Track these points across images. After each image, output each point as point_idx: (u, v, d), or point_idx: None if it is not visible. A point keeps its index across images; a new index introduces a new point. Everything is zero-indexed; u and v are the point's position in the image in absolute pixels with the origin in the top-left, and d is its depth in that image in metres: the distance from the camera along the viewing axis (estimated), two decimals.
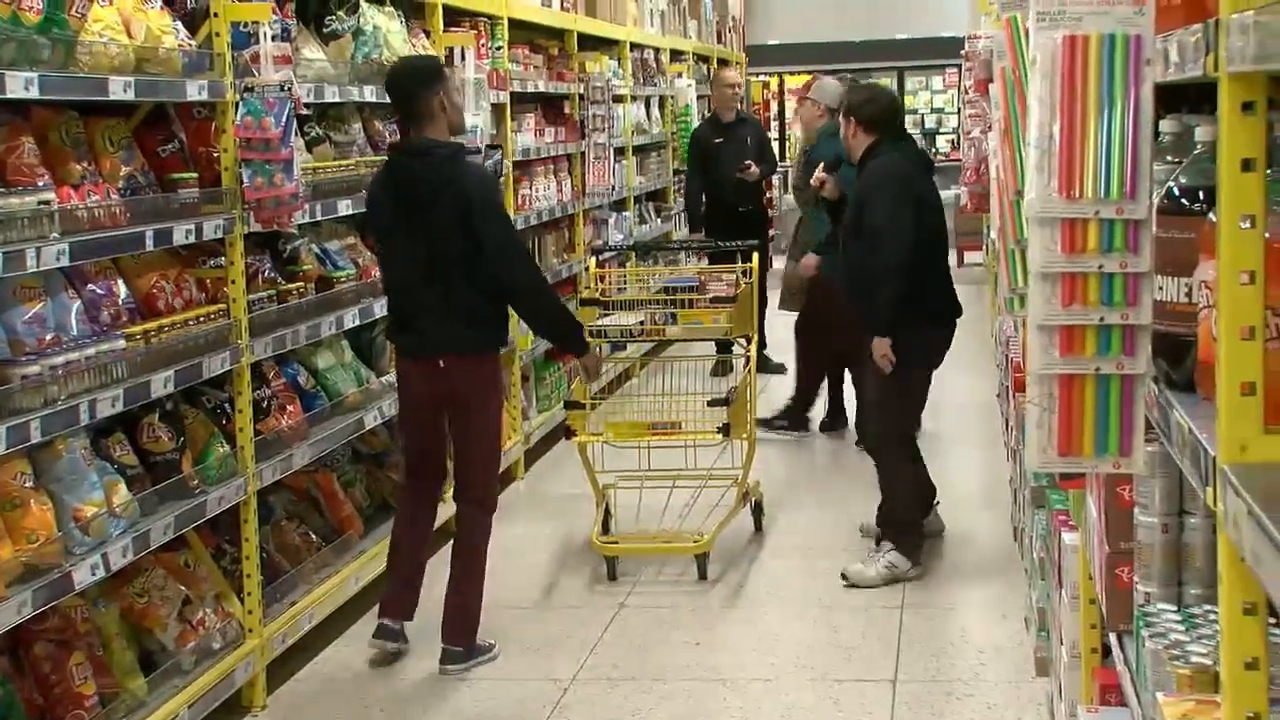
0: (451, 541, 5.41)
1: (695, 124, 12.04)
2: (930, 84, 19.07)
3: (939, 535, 6.40)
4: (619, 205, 10.59)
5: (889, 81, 17.63)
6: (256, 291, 5.09)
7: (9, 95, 3.67)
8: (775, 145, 14.81)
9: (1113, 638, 2.87)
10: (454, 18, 7.18)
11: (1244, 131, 1.77)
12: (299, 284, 5.45)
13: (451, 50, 6.89)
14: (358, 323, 5.75)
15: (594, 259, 7.12)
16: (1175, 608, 2.58)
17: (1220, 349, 1.82)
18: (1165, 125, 2.49)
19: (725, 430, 6.09)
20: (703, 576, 6.03)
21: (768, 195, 11.34)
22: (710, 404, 6.20)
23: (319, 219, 5.55)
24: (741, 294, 6.39)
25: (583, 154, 9.40)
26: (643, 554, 6.26)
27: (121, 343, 4.22)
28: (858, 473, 7.65)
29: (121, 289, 4.49)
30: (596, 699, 4.93)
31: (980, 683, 4.94)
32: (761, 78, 18.66)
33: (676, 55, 12.78)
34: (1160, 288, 2.23)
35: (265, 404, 5.17)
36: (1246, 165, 1.78)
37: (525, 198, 8.28)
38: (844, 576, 5.95)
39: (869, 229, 5.90)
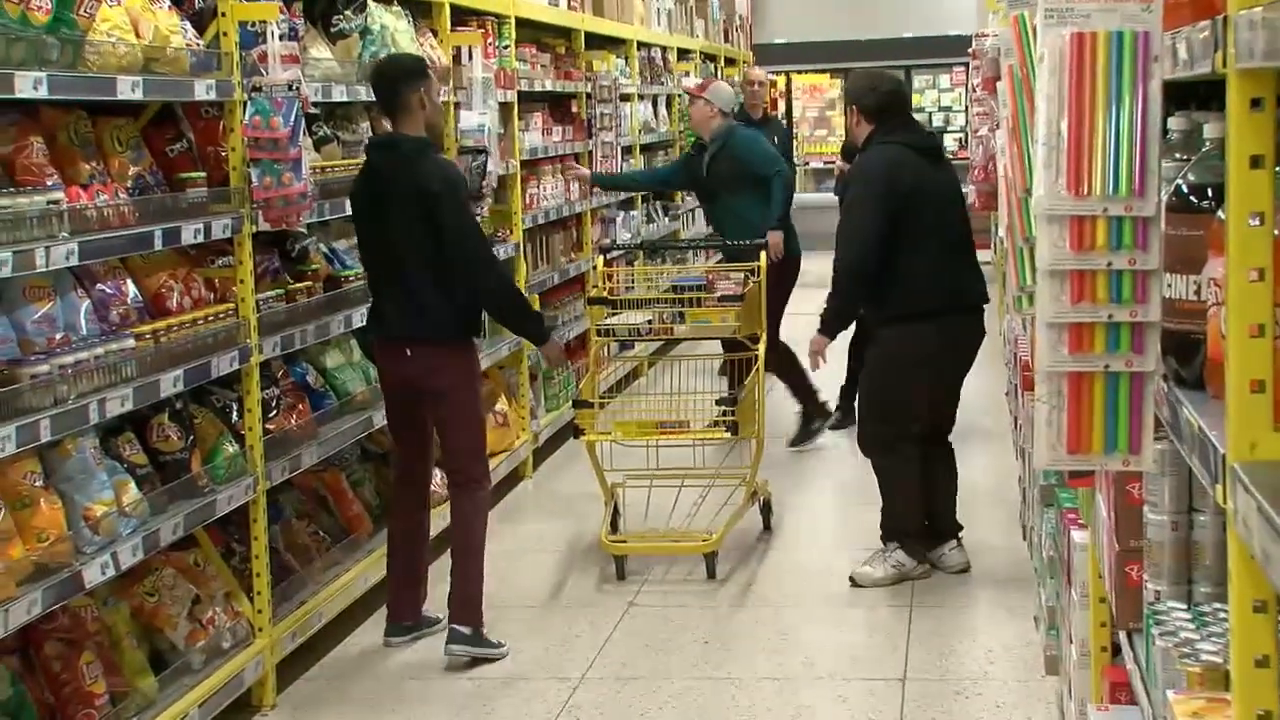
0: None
1: None
2: (937, 82, 19.04)
3: (963, 570, 5.97)
4: (626, 204, 10.59)
5: None
6: (265, 291, 5.10)
7: (18, 95, 3.68)
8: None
9: (1122, 636, 2.87)
10: (461, 17, 7.19)
11: (1252, 128, 1.77)
12: (307, 283, 5.46)
13: (459, 49, 6.90)
14: (365, 322, 5.75)
15: (602, 258, 7.11)
16: (1185, 606, 2.57)
17: (1229, 346, 1.82)
18: (1173, 122, 2.49)
19: (733, 429, 6.08)
20: (711, 575, 6.03)
21: None
22: (718, 403, 6.20)
23: (327, 218, 5.56)
24: (749, 292, 6.38)
25: (590, 153, 9.40)
26: (651, 553, 6.25)
27: (130, 342, 4.23)
28: (867, 471, 7.64)
29: (130, 288, 4.49)
30: (605, 698, 4.93)
31: (989, 681, 4.93)
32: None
33: (683, 54, 12.78)
34: (1169, 285, 2.23)
35: (274, 403, 5.17)
36: (1255, 162, 1.77)
37: (533, 197, 8.28)
38: (851, 580, 5.90)
39: (839, 239, 5.88)
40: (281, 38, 4.86)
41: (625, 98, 10.28)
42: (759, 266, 6.59)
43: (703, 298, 6.33)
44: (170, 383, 4.35)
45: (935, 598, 5.75)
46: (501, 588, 6.10)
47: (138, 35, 4.32)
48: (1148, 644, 2.52)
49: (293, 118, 4.79)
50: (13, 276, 3.71)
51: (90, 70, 4.07)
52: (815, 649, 5.30)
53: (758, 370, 6.43)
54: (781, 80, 19.50)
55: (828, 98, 19.26)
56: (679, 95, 12.24)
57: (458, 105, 6.78)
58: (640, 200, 10.92)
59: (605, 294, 6.61)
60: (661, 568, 6.20)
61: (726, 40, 15.30)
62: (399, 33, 6.18)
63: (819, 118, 19.32)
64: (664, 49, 11.94)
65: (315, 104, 5.34)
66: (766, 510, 6.70)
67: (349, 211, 5.44)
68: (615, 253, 7.49)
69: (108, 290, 4.37)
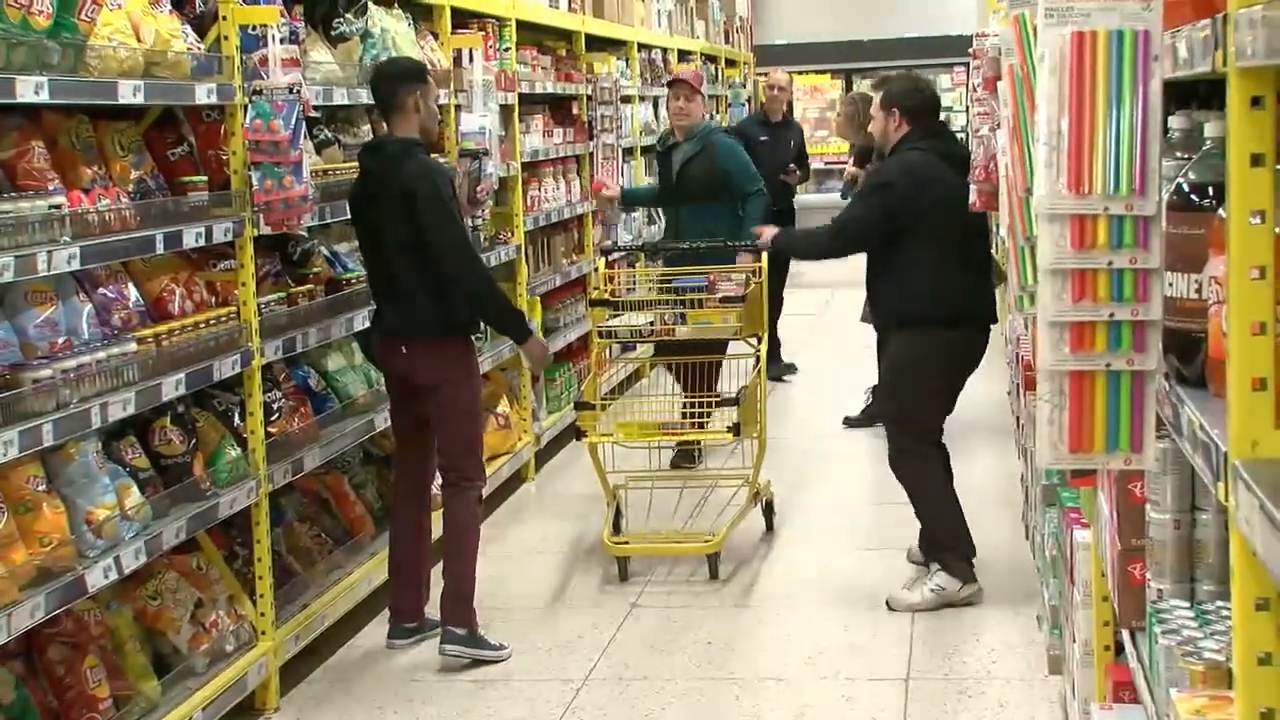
0: None
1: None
2: (938, 82, 19.06)
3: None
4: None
5: None
6: (266, 294, 5.10)
7: (19, 99, 3.68)
8: None
9: (1125, 635, 2.87)
10: (462, 19, 7.19)
11: (1253, 126, 1.77)
12: (309, 286, 5.47)
13: (459, 52, 6.90)
14: (368, 325, 5.76)
15: (603, 259, 7.10)
16: (1188, 604, 2.57)
17: (1231, 344, 1.82)
18: (1174, 121, 2.49)
19: (735, 429, 6.07)
20: (714, 576, 6.03)
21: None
22: (719, 404, 6.20)
23: (328, 221, 5.57)
24: (751, 293, 6.37)
25: (591, 155, 9.40)
26: (654, 554, 6.25)
27: (133, 346, 4.23)
28: (870, 472, 7.65)
29: (132, 292, 4.50)
30: (608, 699, 4.93)
31: (993, 681, 4.93)
32: (759, 80, 18.67)
33: (684, 55, 12.78)
34: (1170, 284, 2.23)
35: (276, 406, 5.18)
36: (1256, 160, 1.78)
37: (534, 199, 8.29)
38: (888, 604, 5.63)
39: (838, 219, 5.92)
40: (282, 41, 4.86)
41: (626, 99, 10.28)
42: (761, 268, 6.57)
43: (704, 299, 6.32)
44: (172, 386, 4.36)
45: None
46: (504, 589, 6.10)
47: (139, 39, 4.32)
48: (1150, 642, 2.52)
49: (294, 121, 4.80)
50: (14, 281, 3.71)
51: (91, 74, 4.07)
52: (818, 649, 5.30)
53: (759, 371, 6.42)
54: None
55: (828, 98, 19.26)
56: None
57: (459, 108, 6.78)
58: None
59: (607, 296, 6.60)
60: (664, 568, 6.20)
61: (727, 41, 15.30)
62: (400, 36, 6.18)
63: (819, 119, 19.32)
64: (664, 50, 11.94)
65: (316, 107, 5.34)
66: (769, 511, 6.70)
67: (349, 215, 5.46)
68: (616, 254, 7.46)
69: (109, 294, 4.37)
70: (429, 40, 6.73)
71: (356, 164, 5.60)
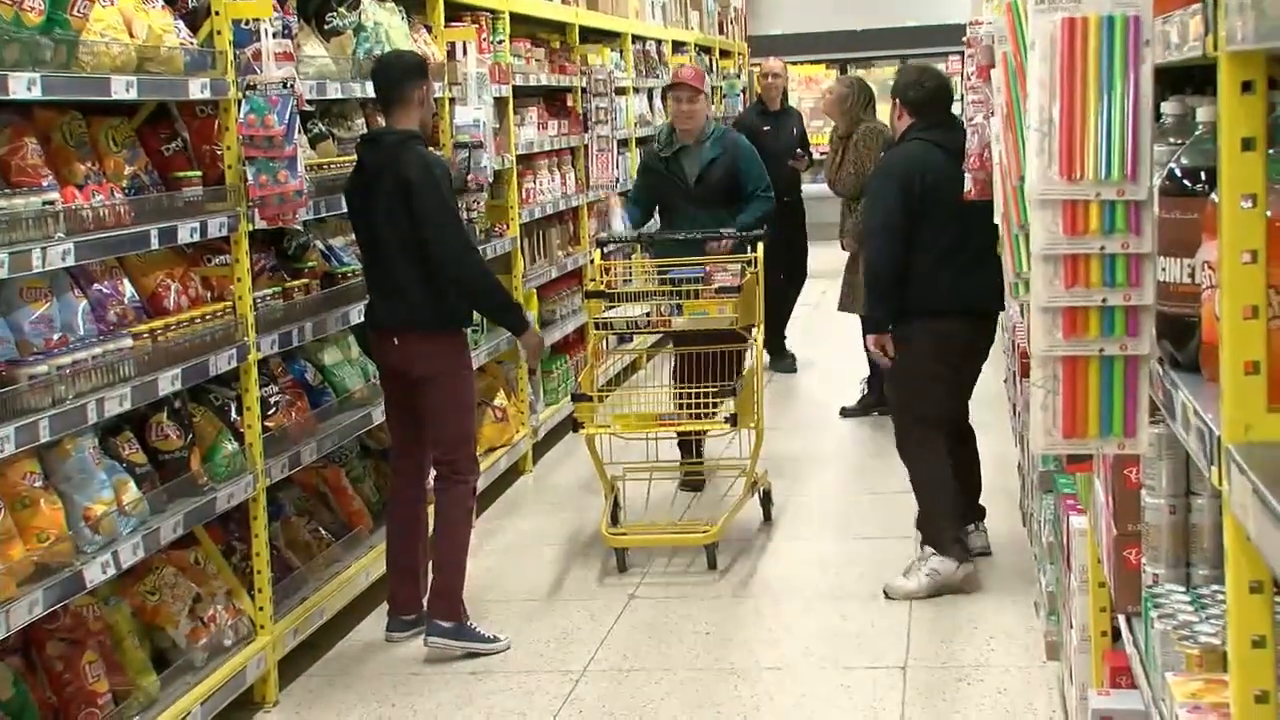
0: None
1: None
2: None
3: (983, 554, 5.97)
4: (623, 197, 10.57)
5: (891, 70, 17.59)
6: (262, 289, 5.10)
7: (12, 96, 3.68)
8: None
9: (1122, 620, 2.88)
10: (455, 12, 7.18)
11: (1244, 111, 1.77)
12: (304, 280, 5.47)
13: (453, 45, 6.89)
14: (363, 318, 5.75)
15: (599, 251, 7.09)
16: (1183, 588, 2.58)
17: (1223, 329, 1.83)
18: (1167, 107, 2.49)
19: (732, 420, 6.07)
20: (712, 566, 6.04)
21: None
22: (716, 394, 6.19)
23: (324, 215, 5.57)
24: (747, 284, 6.36)
25: (586, 146, 9.40)
26: (652, 545, 6.26)
27: (128, 342, 4.24)
28: (867, 461, 7.65)
29: (127, 288, 4.50)
30: (608, 690, 4.93)
31: (991, 668, 4.94)
32: (753, 70, 18.64)
33: (678, 46, 12.77)
34: (1163, 269, 2.23)
35: (272, 401, 5.18)
36: (1247, 144, 1.78)
37: (529, 191, 8.28)
38: (885, 593, 5.66)
39: (862, 233, 6.07)
40: (275, 35, 4.86)
41: (620, 91, 10.28)
42: (757, 258, 6.56)
43: (700, 290, 6.31)
44: (168, 381, 4.36)
45: None
46: (502, 581, 6.11)
47: (131, 35, 4.32)
48: (1146, 627, 2.53)
49: (288, 115, 4.79)
50: (9, 278, 3.72)
51: (84, 70, 4.07)
52: (816, 638, 5.31)
53: (756, 361, 6.40)
54: None
55: (824, 88, 19.23)
56: None
57: (453, 101, 6.78)
58: None
59: (603, 287, 6.59)
60: (662, 560, 6.21)
61: (721, 32, 15.29)
62: (393, 29, 6.17)
63: (814, 109, 19.30)
64: (659, 42, 11.94)
65: (310, 101, 5.34)
66: (766, 501, 6.71)
67: (345, 208, 5.46)
68: (612, 246, 7.44)
69: (105, 290, 4.37)
70: (422, 33, 6.72)
71: (352, 157, 5.61)
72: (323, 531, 5.63)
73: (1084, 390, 2.20)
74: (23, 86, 3.70)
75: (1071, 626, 3.77)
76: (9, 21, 3.78)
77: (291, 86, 4.83)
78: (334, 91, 5.58)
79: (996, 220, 4.35)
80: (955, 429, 5.94)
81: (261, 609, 4.90)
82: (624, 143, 10.43)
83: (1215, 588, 2.52)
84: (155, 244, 4.35)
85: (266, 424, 5.04)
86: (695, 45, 13.44)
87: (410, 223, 5.13)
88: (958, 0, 17.31)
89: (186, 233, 4.48)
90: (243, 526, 5.00)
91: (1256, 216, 1.79)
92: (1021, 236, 3.28)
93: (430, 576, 5.34)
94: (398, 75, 5.24)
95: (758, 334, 6.48)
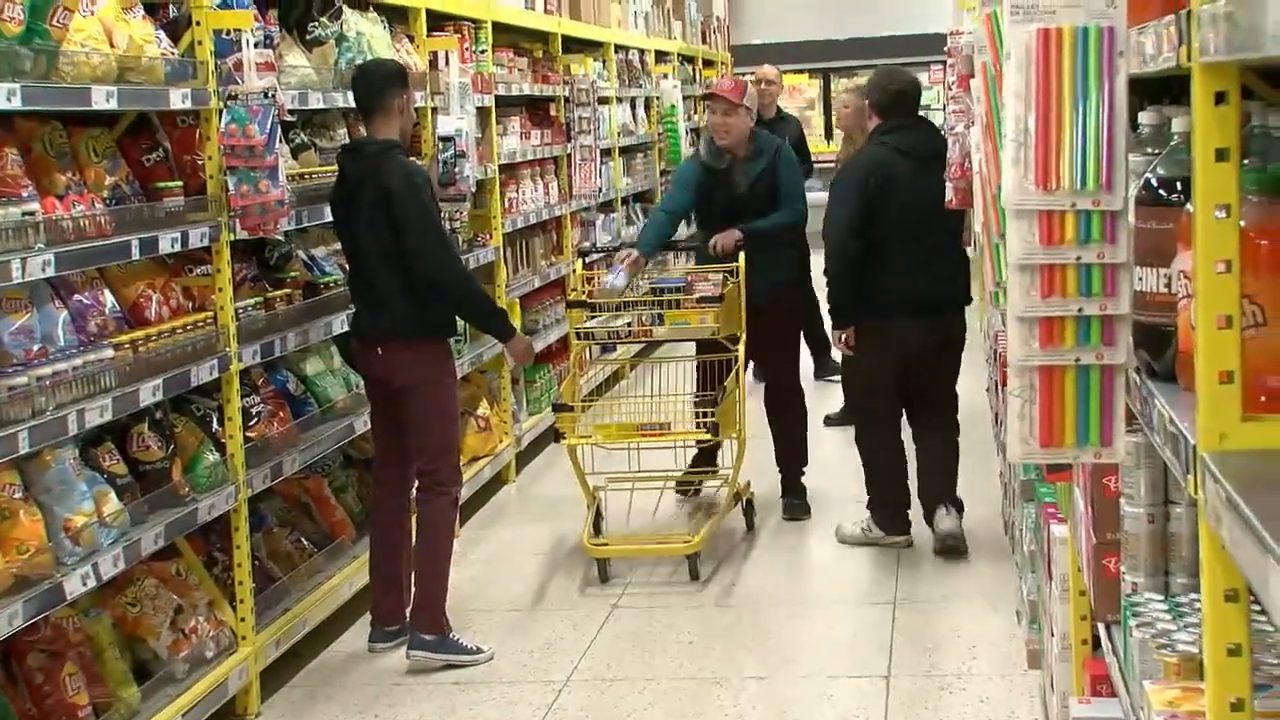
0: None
1: (680, 125, 12.05)
2: None
3: (952, 535, 6.17)
4: (606, 207, 10.60)
5: None
6: (244, 299, 5.09)
7: None
8: None
9: (1102, 628, 2.89)
10: (437, 22, 7.19)
11: (1217, 121, 1.78)
12: (286, 291, 5.46)
13: (435, 54, 6.90)
14: (346, 328, 5.75)
15: (581, 261, 7.05)
16: (1162, 597, 2.59)
17: (1198, 338, 1.83)
18: (1144, 117, 2.51)
19: (713, 430, 6.04)
20: (694, 577, 6.03)
21: None
22: (697, 404, 6.17)
23: (305, 225, 5.56)
24: (728, 293, 6.34)
25: (569, 156, 9.40)
26: (633, 555, 6.25)
27: (109, 352, 4.23)
28: (851, 469, 7.66)
29: (108, 299, 4.49)
30: (590, 700, 4.93)
31: (973, 677, 4.95)
32: (747, 77, 18.66)
33: (661, 56, 12.79)
34: (1140, 279, 2.24)
35: (254, 411, 5.17)
36: (1220, 155, 1.79)
37: (512, 201, 8.28)
38: (836, 534, 6.43)
39: (825, 222, 6.24)
40: (257, 45, 4.85)
41: (603, 100, 10.29)
42: (738, 267, 6.52)
43: (681, 299, 6.29)
44: (150, 392, 4.35)
45: (918, 594, 5.76)
46: (485, 591, 6.10)
47: (112, 45, 4.31)
48: (1125, 635, 2.53)
49: (269, 125, 4.79)
50: None
51: (64, 80, 4.06)
52: (800, 647, 5.31)
53: (737, 371, 6.39)
54: None
55: (807, 97, 19.27)
56: (657, 97, 12.23)
57: (435, 110, 6.78)
58: (620, 202, 10.92)
59: (584, 297, 6.56)
60: (645, 570, 6.21)
61: (704, 42, 15.32)
62: (375, 39, 6.18)
63: (799, 117, 19.31)
64: (641, 51, 11.95)
65: (292, 111, 5.33)
66: (749, 511, 6.70)
67: (328, 218, 5.46)
68: (595, 256, 7.40)
69: (85, 301, 4.36)
70: (404, 43, 6.73)
71: (334, 167, 5.62)
72: (305, 542, 5.62)
73: (1060, 399, 2.21)
74: (2, 97, 3.70)
75: (1053, 635, 3.78)
76: None
77: (273, 96, 4.82)
78: (316, 101, 5.58)
79: (977, 229, 4.36)
80: (925, 416, 6.37)
81: (243, 620, 4.89)
82: (607, 152, 10.43)
83: (1193, 596, 2.53)
84: (136, 254, 4.34)
85: (248, 434, 5.03)
86: (678, 55, 13.47)
87: (392, 232, 5.13)
88: (939, 10, 17.37)
89: (168, 243, 4.47)
90: (224, 537, 4.98)
91: (1230, 227, 1.80)
92: (1001, 245, 3.28)
93: (413, 588, 5.33)
94: (378, 84, 5.24)
95: (741, 344, 6.43)
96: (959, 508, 6.25)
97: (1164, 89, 2.98)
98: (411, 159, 5.40)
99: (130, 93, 4.33)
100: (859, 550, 6.34)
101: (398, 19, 6.81)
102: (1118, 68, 2.13)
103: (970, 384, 8.73)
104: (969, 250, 6.47)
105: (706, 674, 5.11)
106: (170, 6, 4.84)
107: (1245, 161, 1.91)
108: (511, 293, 8.07)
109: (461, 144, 6.58)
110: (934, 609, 5.62)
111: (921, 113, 6.49)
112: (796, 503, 6.91)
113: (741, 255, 6.56)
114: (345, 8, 6.04)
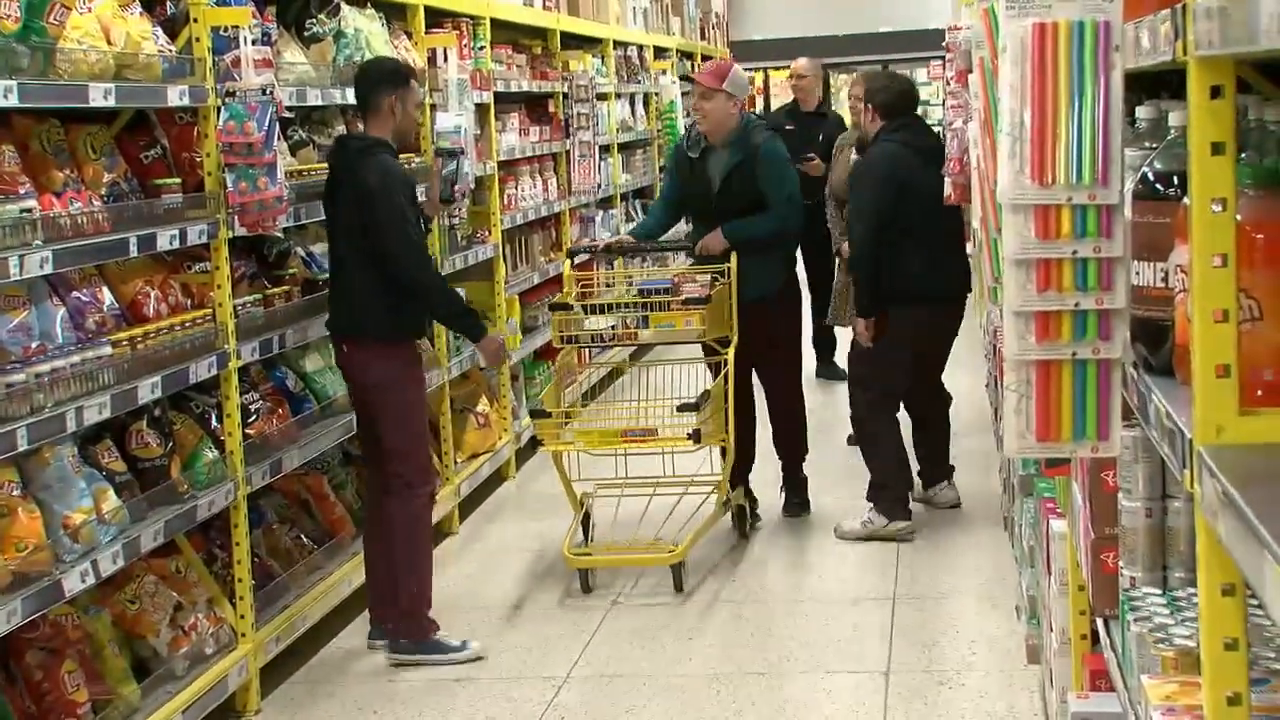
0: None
1: (679, 121, 12.04)
2: (915, 76, 19.06)
3: (954, 506, 6.77)
4: (605, 203, 10.60)
5: None
6: (242, 296, 5.09)
7: None
8: None
9: (1100, 623, 2.88)
10: (435, 19, 7.18)
11: (1213, 115, 1.78)
12: (285, 287, 5.46)
13: (434, 51, 6.89)
14: None
15: (569, 261, 6.82)
16: (1160, 591, 2.59)
17: (1194, 332, 1.83)
18: (1141, 111, 2.50)
19: (696, 436, 5.80)
20: (679, 588, 5.81)
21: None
22: (680, 409, 5.92)
23: (304, 222, 5.56)
24: (716, 294, 6.13)
25: (568, 153, 9.40)
26: (615, 565, 6.03)
27: (108, 349, 4.22)
28: (850, 466, 7.66)
29: (107, 296, 4.48)
30: (590, 696, 4.93)
31: (972, 672, 4.95)
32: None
33: (660, 52, 12.78)
34: (1137, 273, 2.24)
35: (253, 408, 5.17)
36: (1216, 149, 1.79)
37: (511, 197, 8.28)
38: (835, 532, 6.47)
39: (849, 224, 6.54)
40: (254, 42, 4.85)
41: (602, 97, 10.28)
42: (728, 268, 6.28)
43: (668, 301, 6.07)
44: (148, 389, 4.35)
45: (917, 589, 5.76)
46: (485, 588, 6.10)
47: (109, 42, 4.31)
48: (1124, 630, 2.54)
49: (267, 122, 4.78)
50: None
51: (62, 77, 4.06)
52: (799, 643, 5.31)
53: (725, 375, 6.12)
54: (759, 76, 19.56)
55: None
56: (656, 94, 12.23)
57: (434, 107, 6.77)
58: (619, 198, 10.91)
59: (567, 299, 6.28)
60: (643, 572, 6.17)
61: (703, 38, 15.31)
62: (373, 36, 6.17)
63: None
64: (640, 47, 11.95)
65: (290, 108, 5.33)
66: (741, 519, 6.51)
67: (324, 215, 5.45)
68: (582, 256, 7.16)
69: (84, 298, 4.36)
70: (403, 40, 6.72)
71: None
72: (304, 539, 5.62)
73: (1057, 394, 2.21)
74: None
75: (1051, 630, 3.78)
76: None
77: (271, 93, 4.82)
78: (314, 98, 5.57)
79: (975, 224, 4.36)
80: (926, 395, 6.75)
81: (243, 617, 4.89)
82: (606, 149, 10.43)
83: (1191, 590, 2.53)
84: (134, 251, 4.33)
85: (247, 431, 5.03)
86: (677, 50, 13.46)
87: (365, 230, 5.12)
88: (938, 5, 17.38)
89: (166, 240, 4.47)
90: (224, 534, 4.99)
91: (1226, 220, 1.80)
92: (999, 240, 3.28)
93: (395, 591, 5.30)
94: (370, 82, 5.26)
95: (731, 347, 6.20)
96: (951, 475, 6.84)
97: (1162, 83, 2.98)
98: (408, 157, 5.38)
99: (128, 90, 4.33)
100: (858, 546, 6.34)
101: (396, 15, 6.81)
102: (1114, 62, 2.13)
103: (969, 379, 8.75)
104: (968, 245, 6.54)
105: (706, 670, 5.11)
106: (168, 3, 4.83)
107: (1241, 155, 1.90)
108: (511, 289, 8.07)
109: (460, 140, 6.58)
110: (933, 604, 5.62)
111: (920, 109, 6.80)
112: (797, 500, 6.83)
113: (733, 255, 6.32)
114: (343, 4, 6.03)
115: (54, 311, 4.16)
